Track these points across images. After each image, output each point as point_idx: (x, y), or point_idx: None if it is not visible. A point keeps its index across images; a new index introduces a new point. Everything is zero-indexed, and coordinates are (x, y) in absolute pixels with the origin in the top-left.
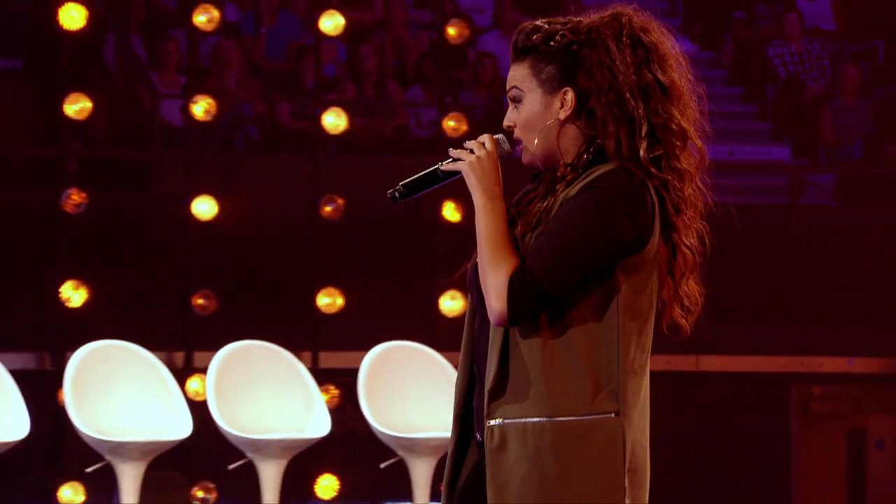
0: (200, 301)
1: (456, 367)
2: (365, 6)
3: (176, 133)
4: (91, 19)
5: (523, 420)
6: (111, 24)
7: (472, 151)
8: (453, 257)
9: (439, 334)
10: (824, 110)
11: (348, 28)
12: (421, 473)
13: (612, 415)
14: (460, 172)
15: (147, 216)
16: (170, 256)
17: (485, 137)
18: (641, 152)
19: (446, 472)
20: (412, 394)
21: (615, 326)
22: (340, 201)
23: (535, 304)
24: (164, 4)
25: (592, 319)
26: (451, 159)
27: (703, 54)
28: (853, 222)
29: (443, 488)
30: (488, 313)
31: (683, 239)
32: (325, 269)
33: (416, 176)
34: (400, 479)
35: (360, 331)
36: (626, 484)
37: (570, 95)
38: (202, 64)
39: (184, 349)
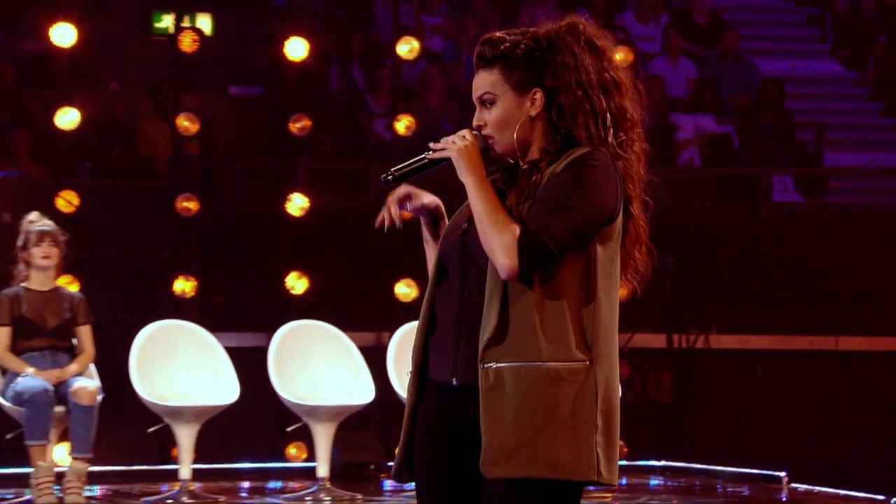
0: (403, 289)
1: None
2: None
3: (386, 146)
4: (315, 52)
5: (517, 364)
6: (335, 57)
7: (453, 143)
8: None
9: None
10: None
11: None
12: None
13: (587, 362)
14: (447, 160)
15: (361, 217)
16: (378, 251)
17: (465, 132)
18: (609, 139)
19: (407, 413)
20: None
21: (594, 288)
22: None
23: (541, 259)
24: (379, 37)
25: (576, 281)
26: (434, 150)
27: (849, 74)
28: None
29: (403, 428)
30: (498, 270)
31: (638, 211)
32: None
33: (407, 163)
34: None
35: None
36: (599, 421)
37: (539, 95)
38: (408, 87)
39: (388, 330)
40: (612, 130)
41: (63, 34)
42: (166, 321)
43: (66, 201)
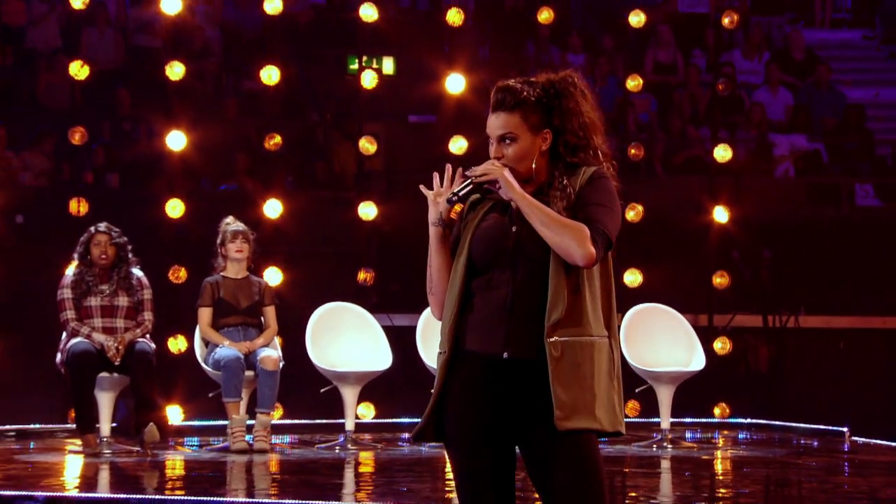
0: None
1: None
2: (671, 72)
3: None
4: (475, 86)
5: (576, 338)
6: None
7: (493, 168)
8: (723, 247)
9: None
10: None
11: (657, 87)
12: None
13: (608, 336)
14: (493, 182)
15: None
16: None
17: (494, 161)
18: (607, 167)
19: (439, 383)
20: None
21: (610, 278)
22: (640, 207)
23: (606, 248)
24: (528, 74)
25: (601, 272)
26: (476, 175)
27: None
28: None
29: (434, 395)
30: (577, 258)
31: None
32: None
33: (462, 186)
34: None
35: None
36: (616, 384)
37: (549, 134)
38: None
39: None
40: (604, 164)
41: (271, 75)
42: (334, 303)
43: (272, 208)
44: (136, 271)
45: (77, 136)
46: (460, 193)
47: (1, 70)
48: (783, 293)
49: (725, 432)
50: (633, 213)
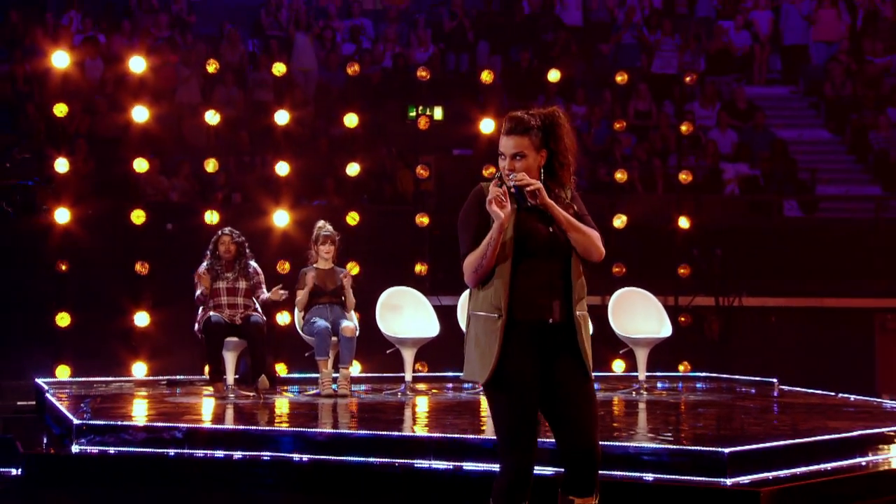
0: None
1: None
2: (647, 117)
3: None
4: (499, 128)
5: (585, 312)
6: None
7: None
8: (685, 246)
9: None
10: None
11: (637, 128)
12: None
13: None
14: (535, 191)
15: None
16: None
17: (524, 174)
18: (573, 180)
19: (499, 342)
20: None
21: None
22: (624, 217)
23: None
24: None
25: None
26: (522, 183)
27: (835, 138)
28: None
29: (496, 352)
30: (595, 256)
31: None
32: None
33: (522, 195)
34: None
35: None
36: None
37: (544, 153)
38: None
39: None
40: (573, 178)
41: (351, 120)
42: (396, 287)
43: (352, 218)
44: (252, 263)
45: (210, 166)
46: (529, 201)
47: (157, 118)
48: (730, 280)
49: (688, 384)
50: (620, 222)
